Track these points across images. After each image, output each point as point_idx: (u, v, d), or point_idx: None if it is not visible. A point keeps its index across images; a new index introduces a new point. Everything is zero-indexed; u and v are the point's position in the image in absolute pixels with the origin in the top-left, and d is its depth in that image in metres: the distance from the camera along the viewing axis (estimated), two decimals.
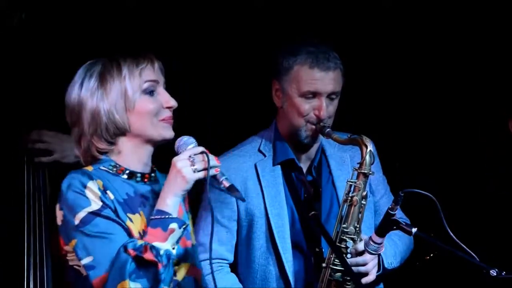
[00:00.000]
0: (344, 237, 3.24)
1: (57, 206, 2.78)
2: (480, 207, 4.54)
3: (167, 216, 2.72)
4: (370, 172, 3.25)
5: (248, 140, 3.52)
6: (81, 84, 2.84)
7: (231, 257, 3.41)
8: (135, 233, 2.75)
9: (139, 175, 2.87)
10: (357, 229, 3.25)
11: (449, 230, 2.95)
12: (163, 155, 2.93)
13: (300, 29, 4.50)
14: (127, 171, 2.85)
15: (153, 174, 2.91)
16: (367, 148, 3.24)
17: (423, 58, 4.75)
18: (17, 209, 3.67)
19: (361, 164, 3.25)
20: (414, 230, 2.96)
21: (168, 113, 2.88)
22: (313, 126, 3.34)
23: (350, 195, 3.26)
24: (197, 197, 3.20)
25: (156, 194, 2.83)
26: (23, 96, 3.72)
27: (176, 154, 2.81)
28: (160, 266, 2.67)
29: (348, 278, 3.21)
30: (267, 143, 3.46)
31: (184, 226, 2.75)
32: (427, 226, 3.10)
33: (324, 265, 3.25)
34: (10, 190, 3.73)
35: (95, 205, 2.72)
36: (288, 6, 4.57)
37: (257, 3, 4.55)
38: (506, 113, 4.40)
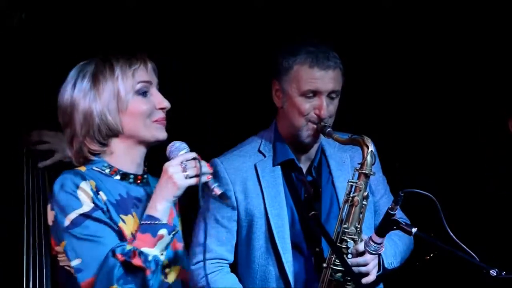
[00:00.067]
0: (345, 238, 3.24)
1: (49, 206, 2.77)
2: (480, 207, 4.53)
3: (156, 222, 2.70)
4: (371, 173, 3.25)
5: (247, 140, 3.51)
6: (74, 85, 2.82)
7: (231, 257, 3.41)
8: (128, 234, 2.74)
9: (132, 176, 2.85)
10: (358, 229, 3.25)
11: (449, 230, 2.95)
12: (157, 157, 2.91)
13: (300, 29, 4.50)
14: (120, 172, 2.83)
15: (145, 176, 2.89)
16: (368, 148, 3.24)
17: (423, 58, 4.75)
18: (17, 209, 3.67)
19: (362, 164, 3.25)
20: (414, 230, 2.96)
21: (161, 114, 2.85)
22: (314, 126, 3.34)
23: (351, 195, 3.26)
24: (194, 197, 3.19)
25: (149, 196, 2.82)
26: (23, 96, 3.72)
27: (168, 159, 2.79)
28: (148, 272, 2.66)
29: (349, 278, 3.21)
30: (267, 143, 3.46)
31: (173, 232, 2.73)
32: (427, 226, 3.10)
33: (324, 265, 3.24)
34: (10, 190, 3.73)
35: (86, 206, 2.70)
36: (288, 6, 4.57)
37: (257, 3, 4.55)
38: (506, 113, 4.40)
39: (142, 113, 2.81)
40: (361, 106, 4.67)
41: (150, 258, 2.66)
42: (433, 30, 4.70)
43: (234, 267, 3.43)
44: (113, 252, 2.66)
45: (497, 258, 3.02)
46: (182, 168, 2.72)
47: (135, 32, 4.35)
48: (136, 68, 2.82)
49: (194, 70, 4.59)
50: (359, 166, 3.26)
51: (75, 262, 2.70)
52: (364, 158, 3.24)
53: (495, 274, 2.79)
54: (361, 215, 3.26)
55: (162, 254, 2.70)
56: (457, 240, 2.92)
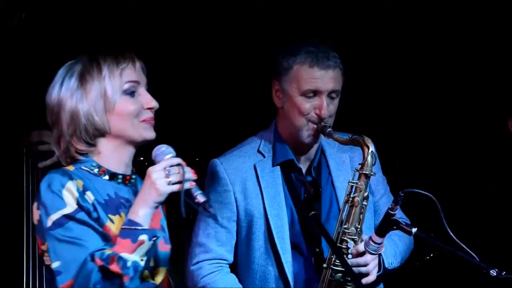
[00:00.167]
0: (345, 238, 3.24)
1: (35, 205, 2.73)
2: (480, 207, 4.54)
3: (137, 227, 2.66)
4: (372, 173, 3.24)
5: (247, 140, 3.51)
6: (61, 84, 2.78)
7: (230, 258, 3.41)
8: (116, 234, 2.70)
9: (120, 176, 2.82)
10: (358, 229, 3.24)
11: (449, 230, 2.95)
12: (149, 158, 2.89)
13: (300, 29, 4.50)
14: (109, 172, 2.80)
15: (134, 177, 2.86)
16: (368, 149, 3.23)
17: (423, 58, 4.75)
18: (17, 209, 3.68)
19: (362, 165, 3.25)
20: (414, 230, 2.96)
21: (149, 114, 2.81)
22: (315, 126, 3.33)
23: (351, 196, 3.25)
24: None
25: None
26: (23, 96, 3.72)
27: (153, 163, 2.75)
28: (125, 278, 2.62)
29: (349, 278, 3.21)
30: (267, 143, 3.46)
31: (154, 238, 2.69)
32: (427, 226, 3.10)
33: (325, 265, 3.24)
34: (10, 190, 3.73)
35: (70, 208, 2.67)
36: (288, 6, 4.57)
37: (257, 3, 4.55)
38: (506, 113, 4.40)
39: (130, 113, 2.77)
40: (361, 106, 4.67)
41: (129, 264, 2.63)
42: (433, 30, 4.70)
43: (234, 267, 3.43)
44: (92, 257, 2.62)
45: (497, 258, 3.02)
46: (165, 174, 2.67)
47: (135, 32, 4.35)
48: (123, 68, 2.78)
49: (194, 70, 4.59)
50: (360, 166, 3.26)
51: (55, 264, 2.67)
52: (364, 159, 3.24)
53: (495, 274, 2.79)
54: (361, 216, 3.25)
55: (142, 260, 2.66)
56: (457, 240, 2.92)
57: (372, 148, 3.24)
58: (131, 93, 2.79)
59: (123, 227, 2.67)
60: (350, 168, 3.38)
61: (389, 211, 3.00)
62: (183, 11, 4.51)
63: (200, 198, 2.70)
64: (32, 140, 3.68)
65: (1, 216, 3.72)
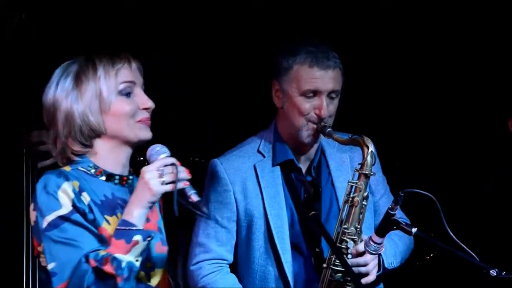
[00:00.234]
0: (345, 238, 3.24)
1: (31, 206, 2.72)
2: (480, 207, 4.54)
3: (131, 228, 2.65)
4: (372, 173, 3.24)
5: (247, 140, 3.51)
6: (57, 84, 2.77)
7: (230, 258, 3.41)
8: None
9: (117, 177, 2.81)
10: (358, 229, 3.24)
11: (449, 230, 2.95)
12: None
13: (300, 29, 4.50)
14: (106, 173, 2.79)
15: (130, 177, 2.85)
16: (368, 149, 3.23)
17: (423, 58, 4.75)
18: (17, 209, 3.68)
19: (362, 165, 3.25)
20: (414, 230, 2.96)
21: (145, 114, 2.80)
22: (314, 126, 3.33)
23: (351, 196, 3.25)
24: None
25: None
26: (23, 96, 3.72)
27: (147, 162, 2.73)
28: (119, 279, 2.61)
29: (349, 278, 3.21)
30: (267, 143, 3.46)
31: (149, 239, 2.68)
32: (427, 226, 3.10)
33: (324, 265, 3.24)
34: (10, 190, 3.73)
35: (65, 209, 2.65)
36: (288, 6, 4.57)
37: (257, 3, 4.55)
38: (506, 113, 4.40)
39: (125, 113, 2.76)
40: (361, 106, 4.67)
41: (123, 264, 2.62)
42: (433, 30, 4.70)
43: (234, 267, 3.43)
44: (86, 258, 2.61)
45: (497, 258, 3.02)
46: (158, 174, 2.65)
47: (135, 32, 4.35)
48: (119, 68, 2.76)
49: (194, 70, 4.59)
50: (359, 166, 3.26)
51: (50, 266, 2.66)
52: (364, 159, 3.24)
53: (495, 274, 2.79)
54: (361, 216, 3.25)
55: (137, 261, 2.65)
56: (457, 240, 2.92)
57: (371, 148, 3.24)
58: (126, 93, 2.77)
59: (117, 227, 2.66)
60: (350, 168, 3.38)
61: (389, 211, 3.00)
62: (183, 11, 4.51)
63: (194, 198, 2.69)
64: (32, 140, 3.68)
65: (1, 216, 3.73)
